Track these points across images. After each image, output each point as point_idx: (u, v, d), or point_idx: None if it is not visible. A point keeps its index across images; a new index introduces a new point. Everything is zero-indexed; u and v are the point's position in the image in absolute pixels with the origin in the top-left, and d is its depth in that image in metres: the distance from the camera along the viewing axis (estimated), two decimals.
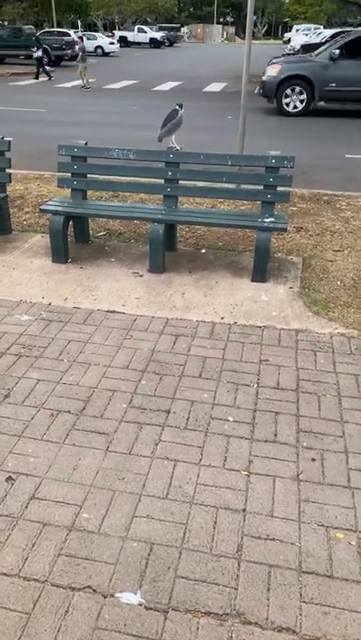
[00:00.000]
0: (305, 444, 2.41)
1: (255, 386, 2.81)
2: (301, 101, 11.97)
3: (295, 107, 12.02)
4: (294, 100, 12.02)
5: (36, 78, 20.35)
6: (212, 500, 2.13)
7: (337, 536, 1.97)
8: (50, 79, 20.16)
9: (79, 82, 18.66)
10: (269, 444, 2.41)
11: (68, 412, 2.61)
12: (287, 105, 12.08)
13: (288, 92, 11.90)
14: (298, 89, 11.83)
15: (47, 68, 20.82)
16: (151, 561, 1.88)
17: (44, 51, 20.78)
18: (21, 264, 4.22)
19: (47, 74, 20.44)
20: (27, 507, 2.09)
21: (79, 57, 18.12)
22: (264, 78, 12.16)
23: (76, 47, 28.28)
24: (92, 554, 1.91)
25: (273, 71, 12.10)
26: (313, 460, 2.32)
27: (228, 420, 2.55)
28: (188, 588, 1.79)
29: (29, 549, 1.92)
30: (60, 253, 4.21)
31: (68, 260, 4.26)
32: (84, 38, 19.54)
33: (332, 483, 2.20)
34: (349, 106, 12.24)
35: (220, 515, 2.06)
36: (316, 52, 12.76)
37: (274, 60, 13.30)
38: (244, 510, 2.07)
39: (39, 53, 20.28)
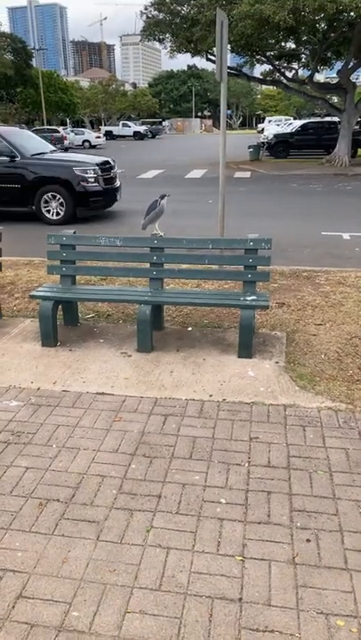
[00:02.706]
0: (299, 524, 2.37)
1: (246, 465, 2.79)
2: None
3: None
4: None
5: None
6: (206, 589, 2.05)
7: (337, 624, 1.89)
8: None
9: None
10: (263, 526, 2.36)
11: (57, 500, 2.56)
12: None
13: None
14: None
15: None
16: None
17: None
18: (11, 349, 4.28)
19: None
20: (13, 607, 1.99)
21: None
22: None
23: (66, 142, 30.31)
24: None
25: None
26: (308, 540, 2.28)
27: (220, 503, 2.51)
28: None
29: None
30: (50, 337, 4.29)
31: (58, 343, 4.33)
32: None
33: (328, 565, 2.15)
34: None
35: (216, 606, 1.98)
36: None
37: None
38: (240, 600, 2.00)
39: None
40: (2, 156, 9.86)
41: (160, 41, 21.87)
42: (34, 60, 48.06)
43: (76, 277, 4.79)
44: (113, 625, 1.92)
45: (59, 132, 32.87)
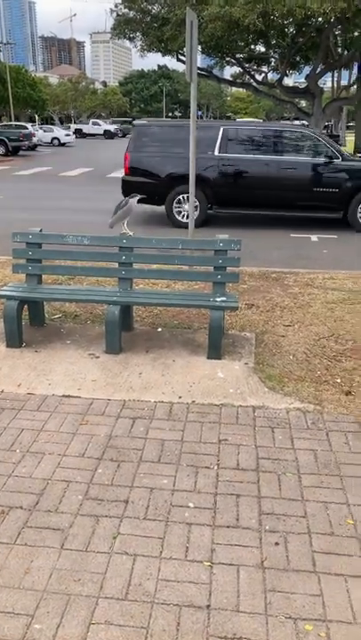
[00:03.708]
0: (267, 527, 2.35)
1: (215, 468, 2.76)
2: None
3: None
4: None
5: None
6: (174, 597, 2.01)
7: (306, 628, 1.88)
8: None
9: (37, 169, 19.44)
10: (232, 530, 2.33)
11: (21, 507, 2.47)
12: None
13: None
14: None
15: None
16: None
17: None
18: None
19: None
20: None
21: None
22: None
23: (34, 139, 29.77)
24: None
25: None
26: (276, 544, 2.26)
27: (188, 507, 2.47)
28: None
29: None
30: (15, 338, 4.17)
31: (23, 344, 4.21)
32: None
33: (297, 568, 2.13)
34: None
35: (184, 614, 1.94)
36: None
37: None
38: (208, 607, 1.96)
39: None
40: (320, 157, 9.05)
41: (130, 39, 21.76)
42: (1, 54, 47.09)
43: (43, 277, 4.68)
44: (77, 637, 1.85)
45: (27, 128, 32.20)
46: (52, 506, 2.48)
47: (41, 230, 4.45)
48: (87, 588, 2.05)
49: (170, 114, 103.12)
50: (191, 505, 2.48)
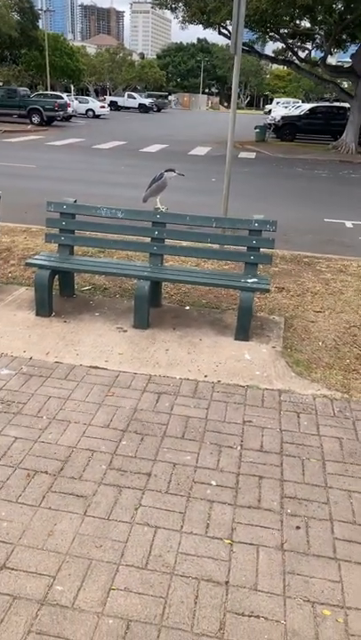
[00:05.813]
0: (289, 511, 2.35)
1: (239, 448, 2.76)
2: None
3: None
4: None
5: None
6: (193, 570, 2.03)
7: (324, 613, 1.88)
8: None
9: (70, 140, 19.35)
10: (253, 511, 2.34)
11: (46, 472, 2.51)
12: None
13: None
14: None
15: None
16: None
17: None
18: (4, 316, 4.19)
19: None
20: None
21: None
22: None
23: (69, 109, 29.53)
24: (64, 631, 1.78)
25: None
26: (298, 527, 2.26)
27: (210, 485, 2.48)
28: None
29: None
30: (45, 307, 4.21)
31: (52, 313, 4.25)
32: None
33: (317, 553, 2.13)
34: None
35: (202, 588, 1.96)
36: None
37: None
38: (226, 583, 1.98)
39: None
40: None
41: (172, 9, 21.25)
42: (40, 21, 46.51)
43: (74, 248, 4.68)
44: (97, 601, 1.89)
45: (62, 98, 31.96)
46: (76, 473, 2.52)
47: (75, 201, 4.44)
48: (108, 554, 2.08)
49: (206, 90, 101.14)
50: (213, 483, 2.49)
